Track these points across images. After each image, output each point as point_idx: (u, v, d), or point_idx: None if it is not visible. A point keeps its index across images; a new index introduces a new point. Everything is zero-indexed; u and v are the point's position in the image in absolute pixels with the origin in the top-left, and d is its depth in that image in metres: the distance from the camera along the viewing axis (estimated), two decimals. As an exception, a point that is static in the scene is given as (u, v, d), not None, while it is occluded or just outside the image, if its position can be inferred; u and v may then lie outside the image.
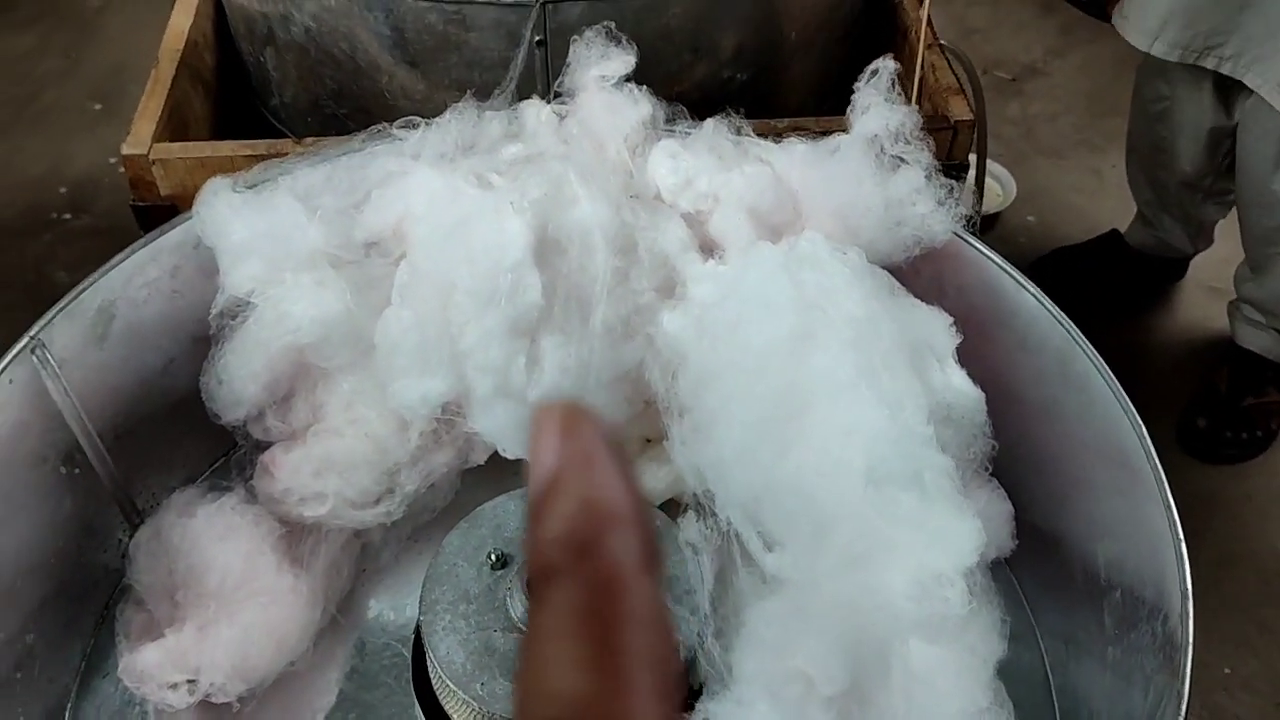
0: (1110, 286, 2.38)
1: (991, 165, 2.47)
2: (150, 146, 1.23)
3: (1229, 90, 1.99)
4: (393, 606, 0.99)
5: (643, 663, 0.34)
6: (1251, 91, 1.90)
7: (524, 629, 0.79)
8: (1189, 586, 0.77)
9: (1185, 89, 2.03)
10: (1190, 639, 0.75)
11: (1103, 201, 2.61)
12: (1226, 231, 2.31)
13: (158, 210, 1.22)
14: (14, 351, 0.89)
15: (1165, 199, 2.26)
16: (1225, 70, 1.89)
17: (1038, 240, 2.53)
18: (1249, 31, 1.83)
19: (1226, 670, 1.89)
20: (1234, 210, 2.20)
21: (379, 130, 1.00)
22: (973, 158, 1.33)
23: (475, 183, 0.93)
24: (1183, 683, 0.74)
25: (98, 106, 2.82)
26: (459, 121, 0.98)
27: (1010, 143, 2.78)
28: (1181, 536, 0.79)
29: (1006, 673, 0.81)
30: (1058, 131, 2.85)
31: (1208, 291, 2.43)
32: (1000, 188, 2.58)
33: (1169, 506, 0.81)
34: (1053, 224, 2.58)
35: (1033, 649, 0.99)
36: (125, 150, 1.23)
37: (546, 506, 0.36)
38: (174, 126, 1.29)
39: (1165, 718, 0.74)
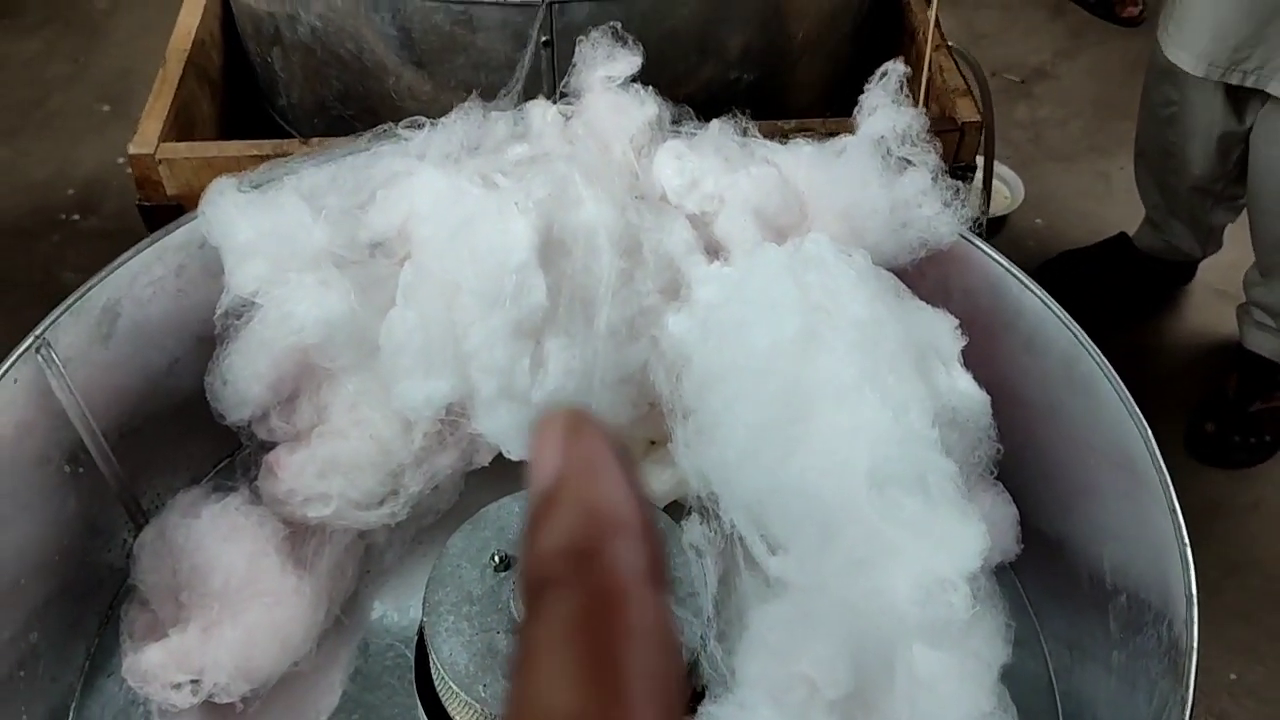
0: (1118, 290, 2.37)
1: (999, 168, 2.46)
2: (157, 146, 1.23)
3: (1241, 96, 1.99)
4: (396, 608, 0.99)
5: (644, 680, 0.31)
6: (1267, 98, 1.90)
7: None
8: (1194, 591, 0.77)
9: (1196, 94, 2.03)
10: (1195, 644, 0.75)
11: (1111, 205, 2.60)
12: (1235, 236, 2.30)
13: (164, 210, 1.22)
14: (19, 351, 0.89)
15: (1174, 203, 2.25)
16: (1249, 84, 1.90)
17: (1045, 243, 2.52)
18: (1275, 43, 1.84)
19: (1232, 676, 1.89)
20: (1242, 214, 2.20)
21: (384, 130, 0.99)
22: (980, 160, 1.33)
23: (480, 183, 0.93)
24: (1187, 688, 0.74)
25: (105, 109, 2.83)
26: (464, 122, 0.98)
27: (1018, 146, 2.78)
28: (1186, 541, 0.79)
29: (1010, 678, 0.81)
30: (1066, 135, 2.84)
31: (1216, 295, 2.43)
32: (1008, 190, 2.58)
33: (1174, 511, 0.81)
34: (1060, 227, 2.57)
35: (1037, 654, 0.98)
36: (132, 150, 1.23)
37: (546, 514, 0.34)
38: (181, 126, 1.29)
39: (1170, 723, 0.74)
